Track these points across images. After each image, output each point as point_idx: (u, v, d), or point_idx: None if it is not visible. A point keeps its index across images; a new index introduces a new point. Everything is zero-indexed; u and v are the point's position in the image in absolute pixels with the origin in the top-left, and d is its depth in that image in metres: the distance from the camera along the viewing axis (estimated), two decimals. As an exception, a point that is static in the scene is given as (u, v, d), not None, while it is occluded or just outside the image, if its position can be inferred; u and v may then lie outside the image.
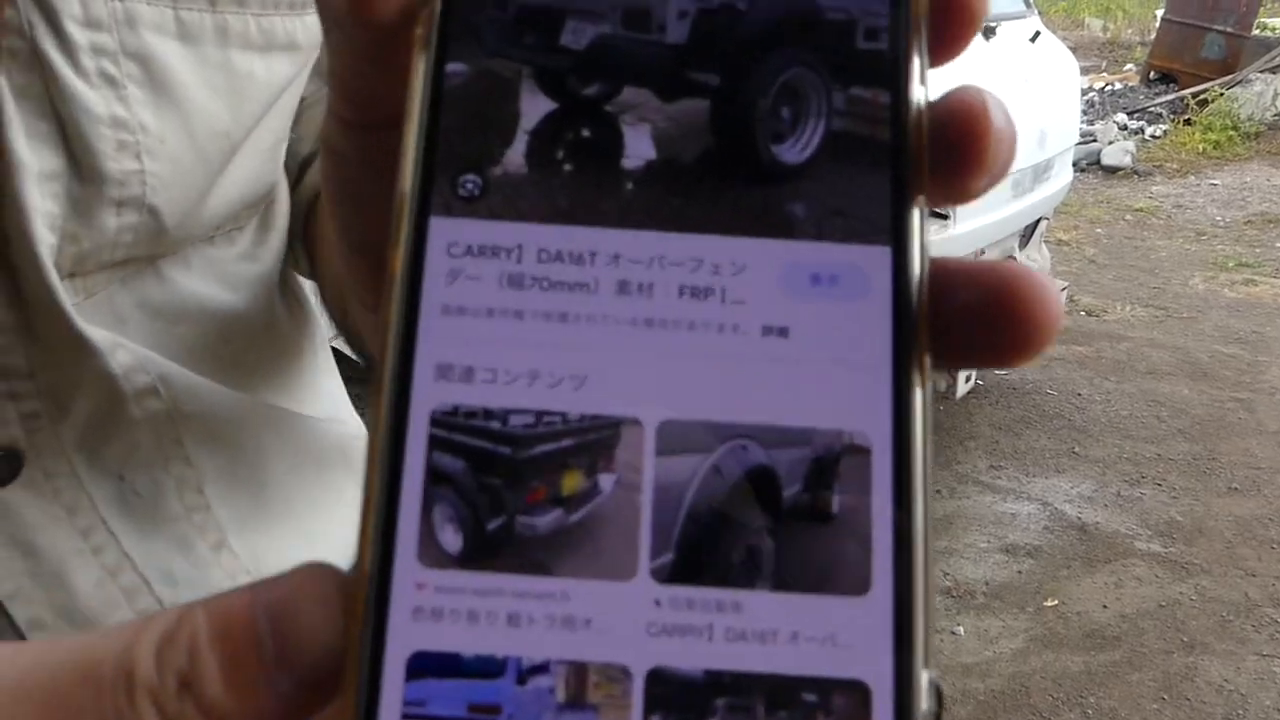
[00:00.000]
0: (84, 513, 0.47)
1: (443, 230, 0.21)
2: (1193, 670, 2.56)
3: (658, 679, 0.18)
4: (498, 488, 0.19)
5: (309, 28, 0.50)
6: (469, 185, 0.21)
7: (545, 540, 0.19)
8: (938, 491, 3.40)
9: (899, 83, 0.21)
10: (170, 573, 0.49)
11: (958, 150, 0.21)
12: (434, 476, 0.19)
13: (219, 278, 0.52)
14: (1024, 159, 3.33)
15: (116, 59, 0.43)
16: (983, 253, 3.34)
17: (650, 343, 0.20)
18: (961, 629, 2.72)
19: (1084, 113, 9.02)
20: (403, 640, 0.18)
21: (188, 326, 0.51)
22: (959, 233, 3.03)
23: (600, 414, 0.20)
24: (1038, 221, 3.78)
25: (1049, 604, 2.83)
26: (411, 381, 0.20)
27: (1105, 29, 12.36)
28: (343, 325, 0.52)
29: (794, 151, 0.21)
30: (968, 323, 0.20)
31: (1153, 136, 8.62)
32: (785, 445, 0.19)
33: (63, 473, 0.46)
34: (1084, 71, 7.54)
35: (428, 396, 0.20)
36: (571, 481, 0.19)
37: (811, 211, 0.21)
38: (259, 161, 0.51)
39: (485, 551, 0.19)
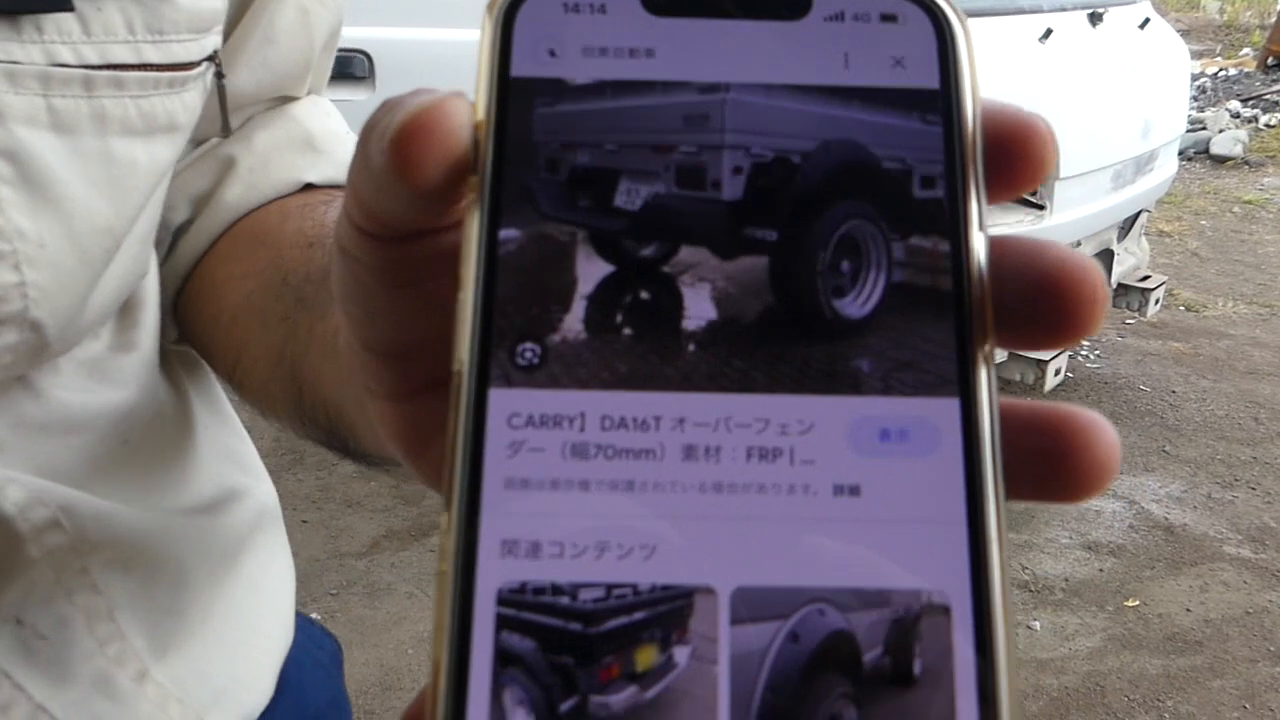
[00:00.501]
0: None
1: (503, 401, 0.20)
2: (1278, 680, 2.51)
3: None
4: (569, 667, 0.19)
5: (188, 106, 0.47)
6: (528, 354, 0.20)
7: (621, 718, 0.18)
8: (1021, 484, 3.36)
9: (958, 230, 0.21)
10: (95, 716, 0.46)
11: (1051, 305, 0.21)
12: (503, 658, 0.18)
13: (97, 377, 0.48)
14: (1126, 150, 3.25)
15: None
16: (1079, 244, 3.27)
17: (720, 508, 0.19)
18: (1038, 624, 2.70)
19: (1194, 99, 8.73)
20: None
21: (79, 437, 0.47)
22: (1055, 224, 2.98)
23: (672, 584, 0.19)
24: (1138, 213, 3.69)
25: (1130, 604, 2.79)
26: (477, 559, 0.19)
27: (1222, 11, 11.93)
28: (296, 403, 0.47)
29: (856, 305, 0.21)
30: (1027, 462, 0.21)
31: (1267, 125, 8.31)
32: (863, 608, 0.19)
33: None
34: (1197, 56, 7.31)
35: (494, 574, 0.19)
36: (646, 656, 0.19)
37: (877, 366, 0.20)
38: (137, 251, 0.48)
39: None
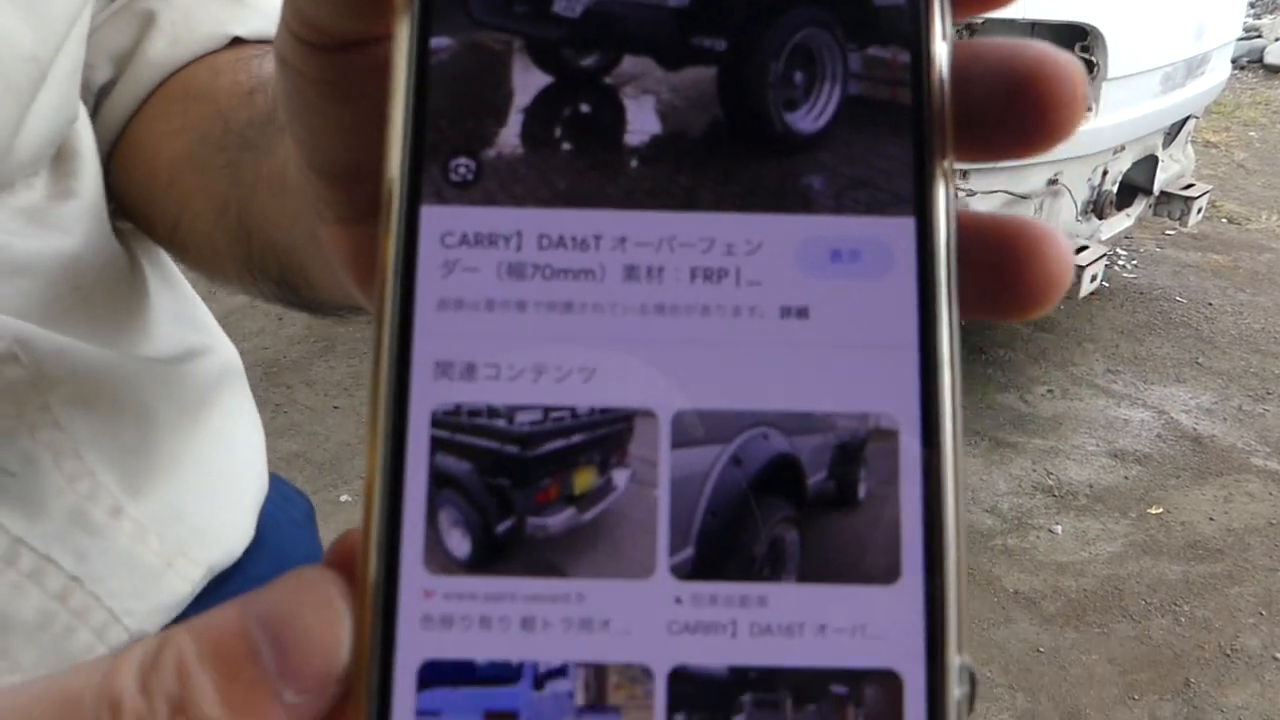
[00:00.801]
0: None
1: (436, 219, 0.19)
2: (1296, 589, 2.53)
3: (681, 678, 0.18)
4: (506, 488, 0.18)
5: None
6: (461, 169, 0.19)
7: (558, 541, 0.18)
8: (1049, 390, 3.35)
9: (920, 40, 0.20)
10: (76, 548, 0.46)
11: (1028, 110, 0.19)
12: (438, 479, 0.18)
13: (39, 222, 0.47)
14: (1177, 51, 3.16)
15: None
16: (1123, 148, 3.21)
17: (662, 330, 0.19)
18: (1060, 528, 2.72)
19: (1251, 5, 8.44)
20: (413, 649, 0.18)
21: (26, 279, 0.46)
22: (1099, 126, 2.91)
23: (611, 407, 0.18)
24: (1185, 120, 3.60)
25: (1153, 511, 2.80)
26: (410, 381, 0.18)
27: (1287, -85, 11.45)
28: (243, 253, 0.47)
29: (809, 119, 0.20)
30: (977, 274, 0.20)
31: (1325, 36, 8.04)
32: (808, 431, 0.18)
33: None
34: (1257, -39, 7.05)
35: (428, 396, 0.18)
36: (584, 479, 0.18)
37: (829, 184, 0.19)
38: (64, 88, 0.46)
39: (495, 555, 0.18)
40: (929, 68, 0.19)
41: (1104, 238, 3.36)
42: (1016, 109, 0.19)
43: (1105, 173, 3.20)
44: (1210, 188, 3.91)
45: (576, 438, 0.18)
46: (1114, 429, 3.17)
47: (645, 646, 0.18)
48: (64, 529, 0.45)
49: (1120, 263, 4.27)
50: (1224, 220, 4.79)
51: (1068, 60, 0.19)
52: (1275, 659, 2.32)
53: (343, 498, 2.65)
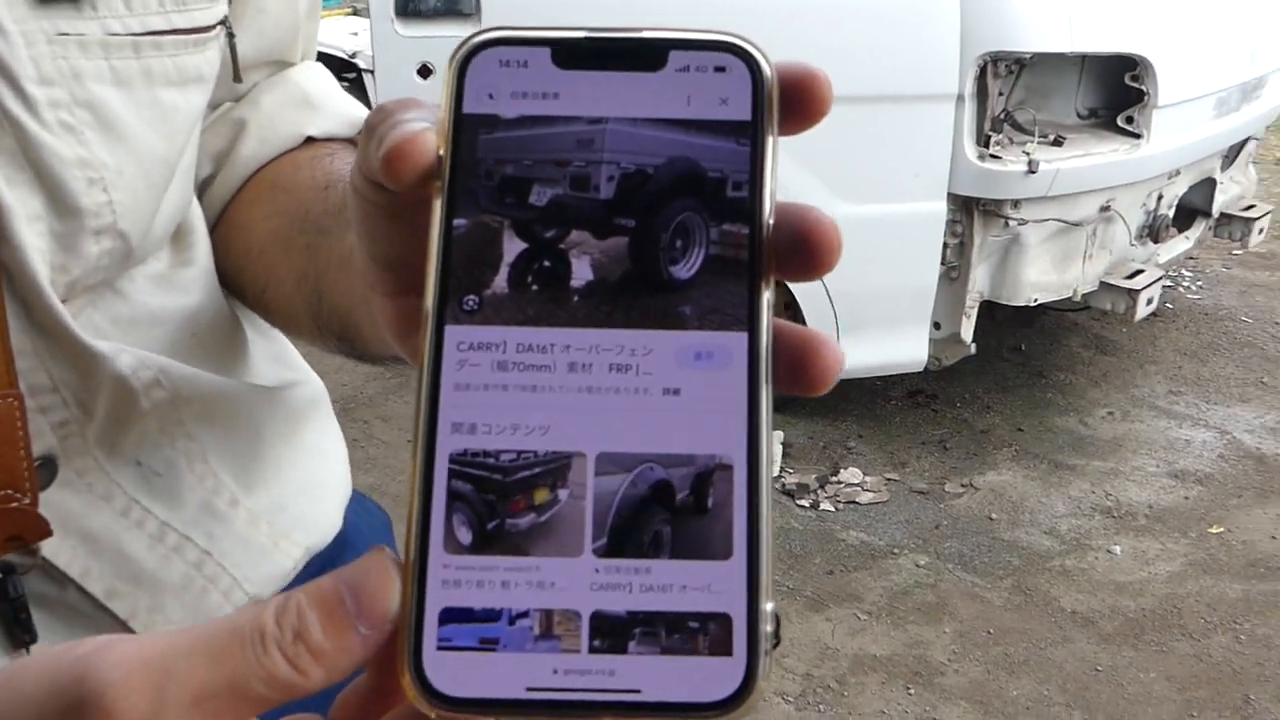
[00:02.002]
0: (118, 497, 0.56)
1: (454, 334, 0.30)
2: (1358, 607, 2.53)
3: (597, 618, 0.28)
4: (493, 501, 0.28)
5: (210, 61, 0.59)
6: (470, 303, 0.30)
7: (524, 534, 0.28)
8: (1110, 413, 3.38)
9: (754, 218, 0.31)
10: (206, 529, 0.60)
11: (807, 254, 0.31)
12: (452, 495, 0.28)
13: (165, 286, 0.61)
14: (1232, 76, 3.19)
15: (71, 109, 0.51)
16: (1178, 173, 3.24)
17: (590, 402, 0.29)
18: (1119, 549, 2.75)
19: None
20: (436, 600, 0.28)
21: (159, 330, 0.59)
22: (1150, 153, 2.95)
23: (558, 450, 0.29)
24: (1245, 142, 3.61)
25: (1213, 531, 2.82)
26: (436, 434, 0.29)
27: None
28: (315, 314, 0.60)
29: (684, 270, 0.30)
30: (784, 365, 0.31)
31: (1403, 47, 7.87)
32: (678, 466, 0.29)
33: (91, 468, 0.55)
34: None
35: (447, 444, 0.29)
36: (540, 495, 0.29)
37: (695, 310, 0.30)
38: (184, 181, 0.60)
39: (485, 543, 0.28)
40: (759, 235, 0.31)
41: (1161, 260, 3.38)
42: (802, 254, 0.31)
43: (1160, 197, 3.24)
44: (1271, 208, 3.90)
45: (537, 469, 0.29)
46: (1175, 450, 3.19)
47: (576, 598, 0.28)
48: (196, 515, 0.59)
49: (1185, 284, 4.27)
50: (1294, 238, 4.75)
51: (829, 222, 0.31)
52: (1335, 676, 2.33)
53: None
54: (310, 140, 0.67)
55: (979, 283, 2.97)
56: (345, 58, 4.12)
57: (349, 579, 0.28)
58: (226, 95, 0.66)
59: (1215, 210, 3.56)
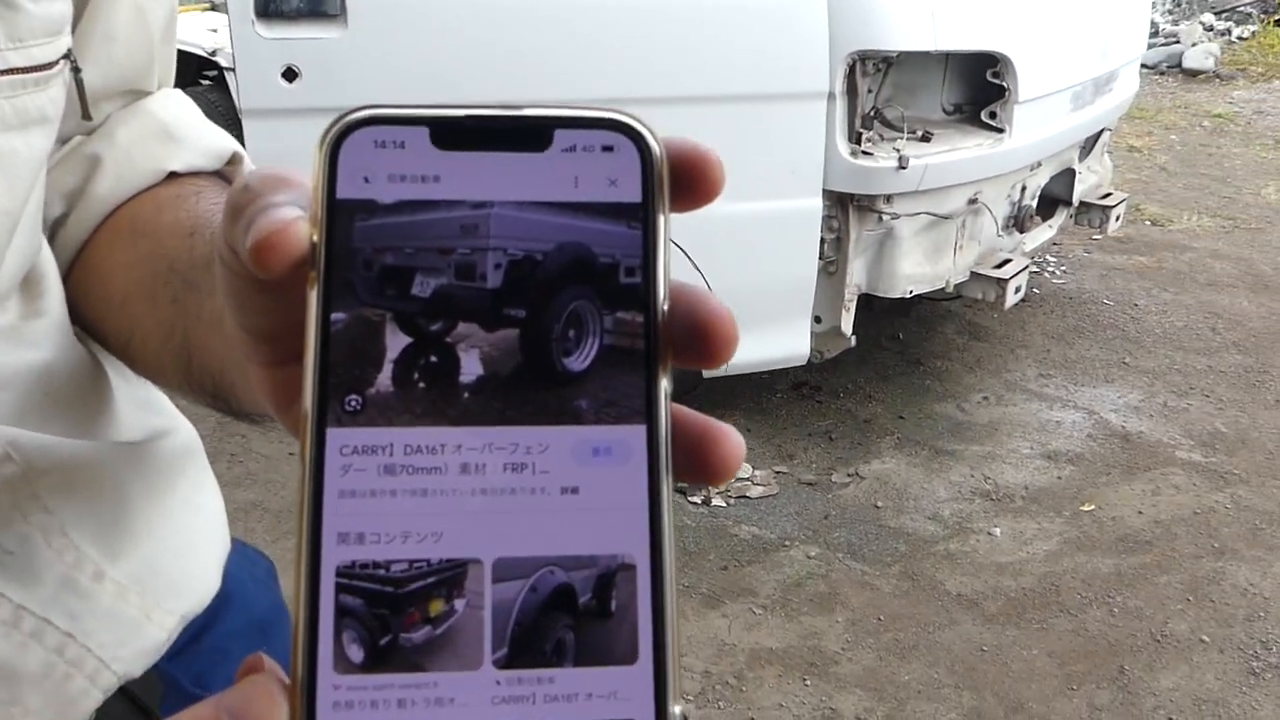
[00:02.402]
0: None
1: (336, 437, 0.28)
2: (1220, 574, 2.67)
3: None
4: (385, 616, 0.27)
5: (54, 99, 0.55)
6: (353, 403, 0.28)
7: (419, 648, 0.27)
8: (985, 398, 3.49)
9: (649, 305, 0.29)
10: (68, 609, 0.55)
11: (704, 345, 0.30)
12: (341, 611, 0.27)
13: (14, 341, 0.56)
14: (1086, 71, 3.32)
15: None
16: (1039, 165, 3.36)
17: (485, 505, 0.28)
18: (998, 530, 2.85)
19: (1169, 12, 8.72)
20: None
21: (7, 394, 0.55)
22: (1013, 147, 3.06)
23: (453, 558, 0.27)
24: (1100, 133, 3.77)
25: (1086, 509, 2.94)
26: (321, 546, 0.27)
27: (1199, -79, 11.83)
28: (184, 371, 0.56)
29: (578, 361, 0.29)
30: (684, 455, 0.30)
31: (1239, 38, 8.34)
32: (579, 568, 0.27)
33: None
34: (1168, -30, 7.31)
35: (333, 556, 0.27)
36: (435, 606, 0.27)
37: (591, 404, 0.29)
38: (31, 228, 0.55)
39: (379, 661, 0.26)
40: (655, 323, 0.29)
41: (1027, 249, 3.51)
42: (698, 343, 0.30)
43: (1024, 189, 3.36)
44: (1126, 195, 4.08)
45: (431, 579, 0.27)
46: (1047, 431, 3.31)
47: (477, 714, 0.26)
48: (56, 594, 0.55)
49: (1050, 269, 4.44)
50: (1148, 222, 4.99)
51: (725, 312, 0.30)
52: (1202, 641, 2.46)
53: (309, 543, 2.72)
54: (172, 175, 0.63)
55: (856, 276, 3.04)
56: (204, 55, 3.94)
57: (231, 707, 0.26)
58: (76, 129, 0.62)
59: (1075, 199, 3.71)
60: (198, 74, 4.05)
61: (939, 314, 3.96)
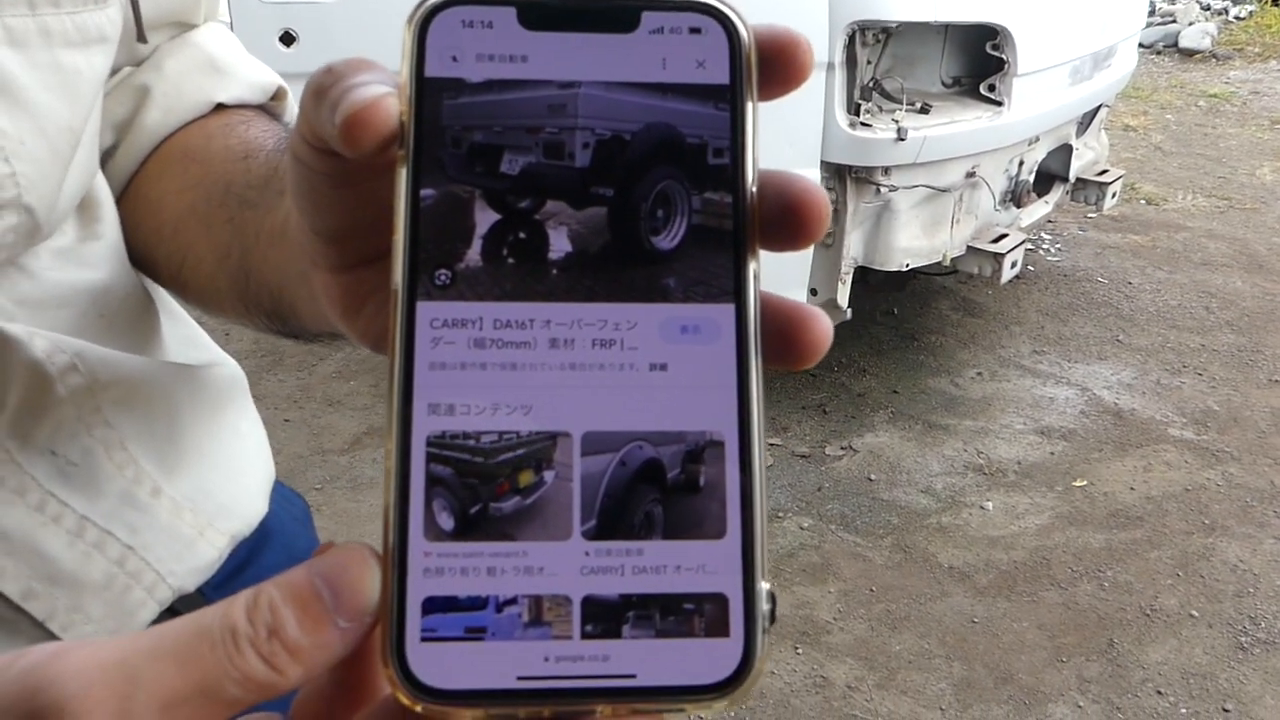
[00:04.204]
0: (32, 491, 0.52)
1: (426, 310, 0.28)
2: (1210, 550, 2.68)
3: (589, 602, 0.26)
4: (475, 485, 0.27)
5: (112, 20, 0.55)
6: (442, 277, 0.28)
7: (510, 518, 0.27)
8: (979, 373, 3.50)
9: (737, 186, 0.29)
10: (128, 522, 0.56)
11: (794, 223, 0.30)
12: (431, 480, 0.27)
13: (74, 261, 0.56)
14: (1084, 46, 3.31)
15: None
16: (1037, 139, 3.36)
17: (574, 380, 0.28)
18: (990, 504, 2.86)
19: (1166, -9, 8.69)
20: (418, 589, 0.26)
21: (66, 311, 0.55)
22: (1011, 121, 3.05)
23: (542, 430, 0.27)
24: (1097, 108, 3.76)
25: (1077, 484, 2.95)
26: (412, 416, 0.27)
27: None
28: (241, 291, 0.56)
29: (666, 240, 0.29)
30: (772, 339, 0.30)
31: (1236, 18, 8.32)
32: (668, 443, 0.28)
33: (2, 462, 0.52)
34: (1167, -52, 7.28)
35: (424, 426, 0.27)
36: (525, 477, 0.27)
37: (680, 283, 0.29)
38: (90, 150, 0.56)
39: (469, 529, 0.27)
40: (743, 205, 0.29)
41: (1024, 224, 3.50)
42: (789, 223, 0.30)
43: (1021, 163, 3.35)
44: (1123, 173, 4.08)
45: (520, 450, 0.27)
46: (1040, 407, 3.32)
47: (566, 583, 0.27)
48: (117, 507, 0.56)
49: (1045, 246, 4.44)
50: (1143, 201, 4.98)
51: (817, 190, 0.30)
52: (1191, 616, 2.47)
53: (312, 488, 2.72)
54: (220, 107, 0.63)
55: (853, 249, 3.03)
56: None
57: (324, 571, 0.27)
58: (127, 59, 0.62)
59: (1072, 175, 3.70)
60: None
61: (934, 289, 3.96)
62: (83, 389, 0.54)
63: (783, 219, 0.29)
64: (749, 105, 0.30)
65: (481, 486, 0.27)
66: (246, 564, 0.64)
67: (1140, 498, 2.89)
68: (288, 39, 2.70)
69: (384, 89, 0.29)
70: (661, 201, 0.29)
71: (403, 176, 0.29)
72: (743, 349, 0.28)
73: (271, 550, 0.67)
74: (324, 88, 0.30)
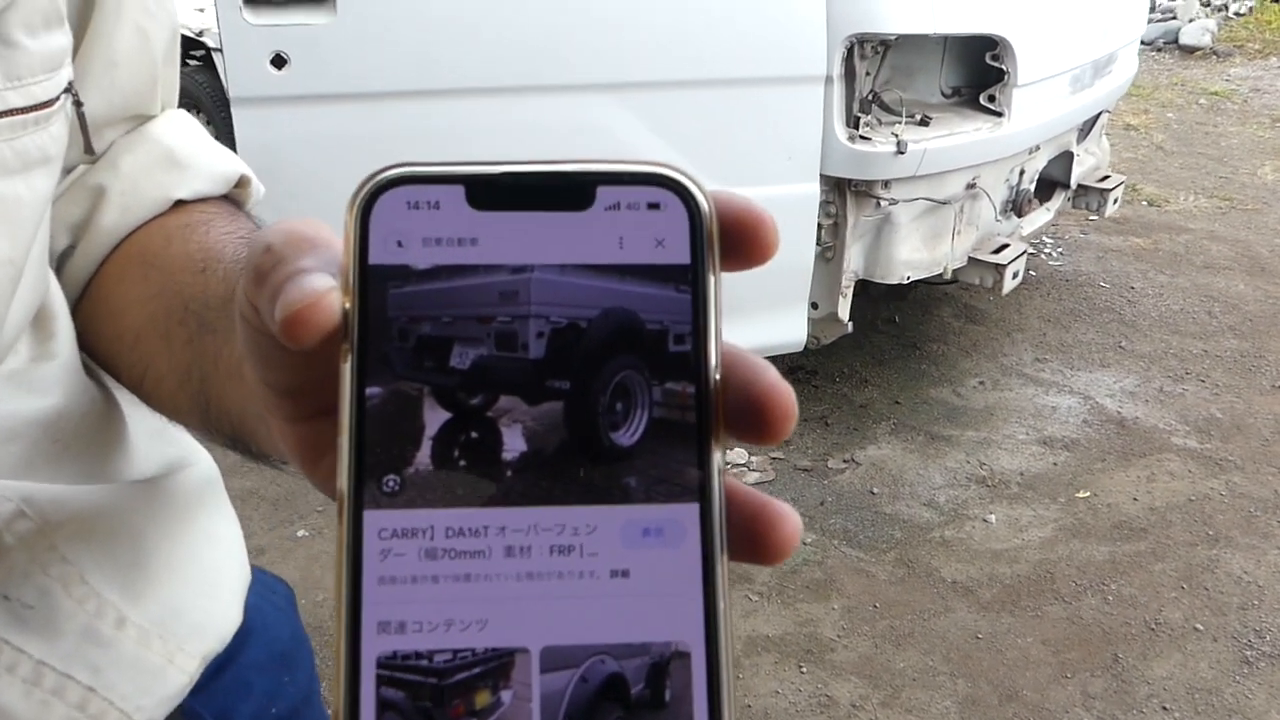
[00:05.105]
0: None
1: (374, 520, 0.26)
2: (1214, 562, 2.67)
3: None
4: (429, 709, 0.26)
5: (55, 137, 0.52)
6: (391, 483, 0.27)
7: None
8: (981, 382, 3.49)
9: (700, 375, 0.28)
10: (89, 662, 0.54)
11: (759, 421, 0.28)
12: (382, 704, 0.25)
13: (25, 387, 0.54)
14: (1085, 54, 3.30)
15: None
16: (1038, 148, 3.34)
17: (531, 590, 0.26)
18: (994, 517, 2.85)
19: (1167, -13, 8.67)
20: None
21: (16, 445, 0.53)
22: (1012, 131, 3.04)
23: (499, 647, 0.26)
24: (1098, 115, 3.75)
25: (1081, 495, 2.94)
26: (361, 636, 0.26)
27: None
28: (203, 414, 0.54)
29: (626, 436, 0.27)
30: (740, 535, 0.28)
31: (1237, 14, 8.29)
32: (631, 656, 0.26)
33: None
34: (1167, -55, 7.26)
35: (373, 646, 0.26)
36: (482, 698, 0.26)
37: (641, 481, 0.27)
38: (37, 271, 0.53)
39: None
40: (707, 394, 0.28)
41: (1025, 233, 3.50)
42: (754, 421, 0.28)
43: (1022, 173, 3.34)
44: (1124, 178, 4.06)
45: (476, 670, 0.26)
46: (1042, 417, 3.31)
47: None
48: (78, 646, 0.54)
49: (1046, 251, 4.43)
50: (1144, 203, 4.97)
51: (784, 388, 0.28)
52: (1196, 630, 2.46)
53: (299, 533, 2.72)
54: (179, 202, 0.61)
55: (853, 262, 3.02)
56: (192, 36, 3.90)
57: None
58: (79, 158, 0.59)
59: (1073, 182, 3.69)
60: (185, 55, 4.01)
61: (935, 297, 3.95)
62: (33, 532, 0.53)
63: (747, 412, 0.28)
64: (711, 285, 0.28)
65: (435, 710, 0.26)
66: (226, 663, 0.63)
67: (1144, 509, 2.88)
68: (279, 61, 2.69)
69: (325, 281, 0.28)
70: (620, 394, 0.28)
71: (347, 374, 0.27)
72: (708, 551, 0.27)
73: (252, 648, 0.66)
74: (263, 272, 0.29)
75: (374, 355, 0.27)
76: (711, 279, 0.28)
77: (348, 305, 0.28)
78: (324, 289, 0.28)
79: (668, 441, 0.28)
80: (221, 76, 3.29)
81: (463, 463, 0.27)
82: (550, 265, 0.28)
